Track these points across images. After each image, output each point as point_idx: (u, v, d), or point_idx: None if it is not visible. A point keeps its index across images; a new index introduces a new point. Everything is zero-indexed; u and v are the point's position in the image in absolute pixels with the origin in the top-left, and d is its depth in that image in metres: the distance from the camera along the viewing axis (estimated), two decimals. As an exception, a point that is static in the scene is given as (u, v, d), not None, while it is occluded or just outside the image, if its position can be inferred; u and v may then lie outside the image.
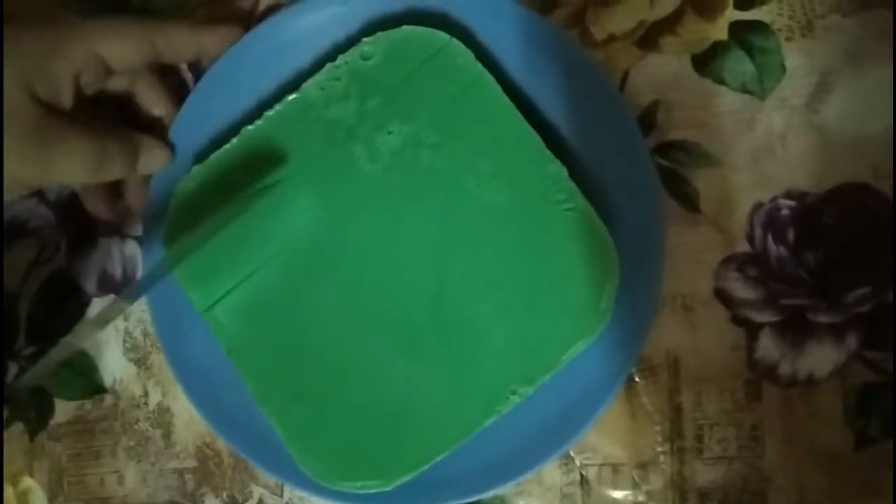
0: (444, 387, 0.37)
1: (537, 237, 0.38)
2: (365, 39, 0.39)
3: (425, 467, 0.37)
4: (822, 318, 0.39)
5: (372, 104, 0.39)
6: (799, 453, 0.39)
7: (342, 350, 0.38)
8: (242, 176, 0.39)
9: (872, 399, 0.38)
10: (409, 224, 0.38)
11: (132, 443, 0.42)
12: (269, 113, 0.39)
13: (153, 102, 0.41)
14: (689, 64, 0.40)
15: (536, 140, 0.38)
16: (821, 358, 0.39)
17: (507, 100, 0.38)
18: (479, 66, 0.38)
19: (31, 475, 0.42)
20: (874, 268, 0.39)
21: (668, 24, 0.40)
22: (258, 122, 0.39)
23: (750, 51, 0.40)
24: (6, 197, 0.35)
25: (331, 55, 0.40)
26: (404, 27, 0.39)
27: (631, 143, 0.38)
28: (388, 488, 0.37)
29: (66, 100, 0.36)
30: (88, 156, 0.36)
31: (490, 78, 0.38)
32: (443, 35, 0.39)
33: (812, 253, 0.39)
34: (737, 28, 0.40)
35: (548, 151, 0.38)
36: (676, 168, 0.40)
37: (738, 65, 0.40)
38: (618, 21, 0.41)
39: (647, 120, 0.41)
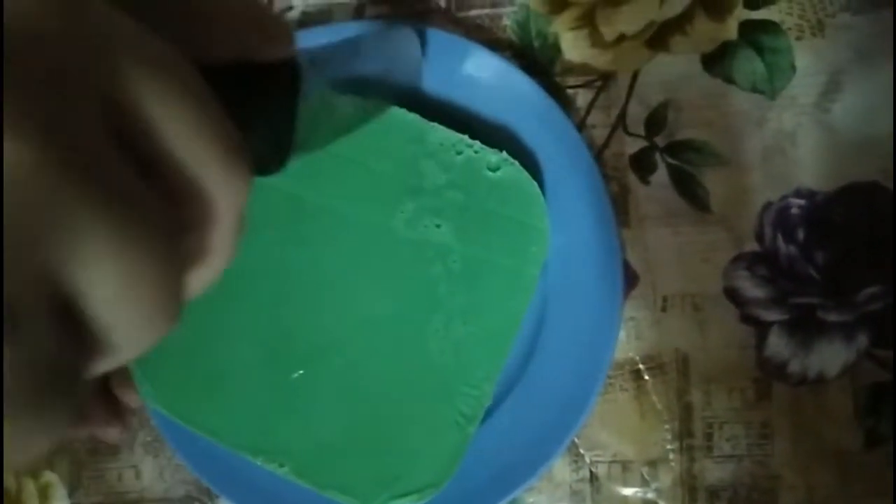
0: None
1: None
2: (497, 157, 0.39)
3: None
4: (832, 317, 0.39)
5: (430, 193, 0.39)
6: (808, 452, 0.39)
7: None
8: None
9: (882, 398, 0.38)
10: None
11: (149, 438, 0.43)
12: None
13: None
14: (699, 64, 0.41)
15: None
16: (831, 356, 0.39)
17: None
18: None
19: (52, 469, 0.43)
20: (884, 266, 0.39)
21: (678, 24, 0.41)
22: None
23: (760, 50, 0.40)
24: None
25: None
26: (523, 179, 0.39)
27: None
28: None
29: None
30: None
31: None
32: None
33: (822, 252, 0.39)
34: (746, 28, 0.40)
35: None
36: (686, 167, 0.41)
37: (748, 64, 0.40)
38: (627, 21, 0.41)
39: (657, 120, 0.41)
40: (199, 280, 0.18)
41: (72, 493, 0.43)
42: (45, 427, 0.14)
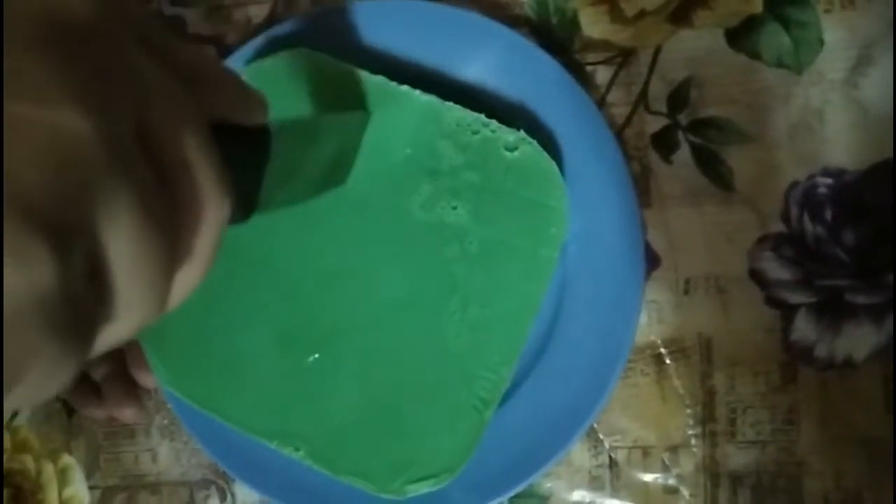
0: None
1: None
2: (514, 137, 0.38)
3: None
4: (861, 300, 0.38)
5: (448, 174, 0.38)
6: (835, 438, 0.38)
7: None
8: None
9: (913, 383, 0.37)
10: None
11: (165, 421, 0.43)
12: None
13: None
14: (723, 39, 0.39)
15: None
16: (859, 340, 0.38)
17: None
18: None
19: (70, 452, 0.43)
20: (916, 247, 0.37)
21: (702, -2, 0.39)
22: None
23: (786, 24, 0.39)
24: None
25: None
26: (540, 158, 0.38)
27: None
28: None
29: None
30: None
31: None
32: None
33: (850, 232, 0.38)
34: (773, 1, 0.39)
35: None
36: (710, 146, 0.39)
37: (774, 39, 0.39)
38: (649, -4, 0.40)
39: (679, 97, 0.40)
40: (182, 282, 0.22)
41: (89, 475, 0.43)
42: (58, 358, 0.17)
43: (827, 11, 0.39)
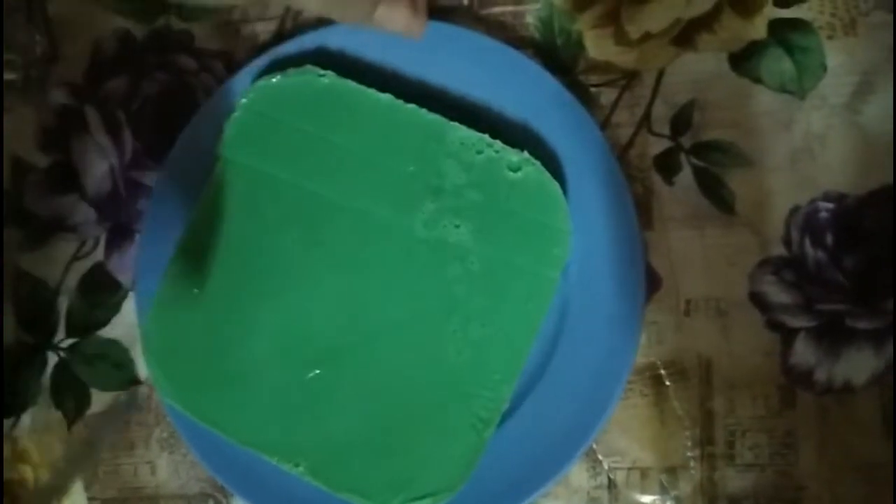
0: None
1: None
2: (518, 157, 0.38)
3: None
4: (861, 324, 0.38)
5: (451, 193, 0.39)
6: (834, 462, 0.38)
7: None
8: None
9: (912, 408, 0.37)
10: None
11: (165, 434, 0.43)
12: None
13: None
14: (727, 62, 0.40)
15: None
16: (859, 365, 0.38)
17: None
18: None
19: (69, 463, 0.43)
20: (916, 273, 0.37)
21: (706, 22, 0.40)
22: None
23: (789, 49, 0.39)
24: None
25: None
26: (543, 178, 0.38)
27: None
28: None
29: None
30: None
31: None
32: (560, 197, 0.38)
33: (851, 257, 0.38)
34: (776, 26, 0.39)
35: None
36: (712, 168, 0.40)
37: (777, 64, 0.39)
38: (654, 19, 0.40)
39: (682, 119, 0.40)
40: None
41: (88, 487, 0.43)
42: None
43: (829, 37, 0.39)
